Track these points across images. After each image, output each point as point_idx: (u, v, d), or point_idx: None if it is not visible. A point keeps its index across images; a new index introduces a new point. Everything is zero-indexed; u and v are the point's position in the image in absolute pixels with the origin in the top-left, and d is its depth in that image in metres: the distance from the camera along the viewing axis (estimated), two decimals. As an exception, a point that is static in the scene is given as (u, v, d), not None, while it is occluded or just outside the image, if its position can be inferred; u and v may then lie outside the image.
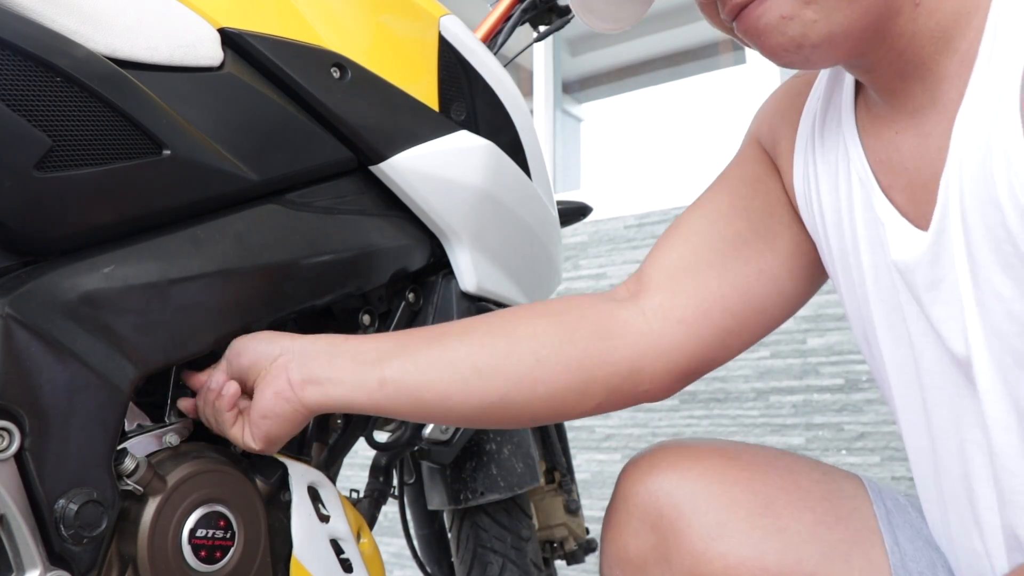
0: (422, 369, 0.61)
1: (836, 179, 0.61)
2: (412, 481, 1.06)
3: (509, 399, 0.62)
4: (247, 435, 0.61)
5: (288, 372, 0.60)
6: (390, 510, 2.38)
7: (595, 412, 0.65)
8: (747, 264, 0.65)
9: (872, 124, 0.59)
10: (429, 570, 1.10)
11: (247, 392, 0.63)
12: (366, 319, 0.76)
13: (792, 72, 0.66)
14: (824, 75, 0.66)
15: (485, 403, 0.61)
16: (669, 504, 0.62)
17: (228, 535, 0.61)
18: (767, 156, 0.70)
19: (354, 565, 0.67)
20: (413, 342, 0.63)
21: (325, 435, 0.79)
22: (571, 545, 1.12)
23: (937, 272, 0.52)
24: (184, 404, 0.64)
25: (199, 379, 0.64)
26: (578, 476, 1.34)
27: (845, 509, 0.63)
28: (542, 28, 1.12)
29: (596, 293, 0.73)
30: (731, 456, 0.65)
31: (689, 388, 2.10)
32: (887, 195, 0.57)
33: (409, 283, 0.81)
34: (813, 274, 0.68)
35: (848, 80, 0.62)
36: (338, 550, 0.67)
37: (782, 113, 0.69)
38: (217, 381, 0.62)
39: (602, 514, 0.87)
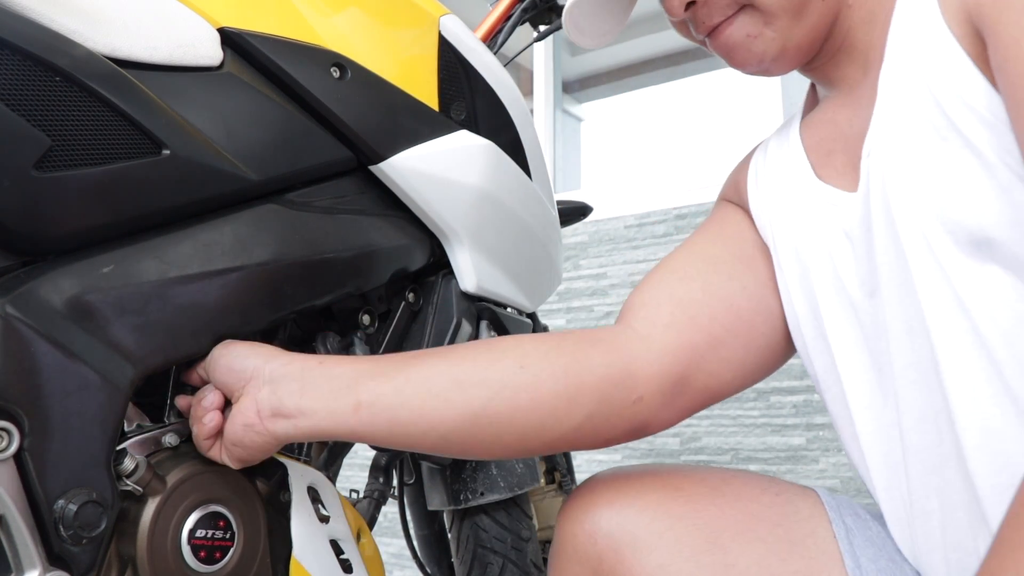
0: (398, 387, 0.58)
1: (781, 176, 0.68)
2: (412, 481, 1.06)
3: (491, 409, 0.57)
4: (223, 455, 0.60)
5: (258, 402, 0.58)
6: (390, 510, 2.38)
7: (584, 431, 0.60)
8: (730, 279, 0.67)
9: (814, 117, 0.67)
10: (429, 570, 1.10)
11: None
12: (366, 319, 0.76)
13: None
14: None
15: (465, 415, 0.57)
16: (608, 547, 0.59)
17: (228, 535, 0.60)
18: (733, 204, 0.75)
19: (354, 566, 0.67)
20: (391, 364, 0.61)
21: (325, 435, 0.79)
22: (571, 545, 1.12)
23: (867, 216, 0.58)
24: (182, 402, 0.64)
25: (194, 376, 0.63)
26: (578, 476, 1.34)
27: (800, 534, 0.60)
28: (542, 27, 1.12)
29: None
30: (675, 487, 0.62)
31: (689, 388, 2.10)
32: (820, 174, 0.64)
33: (409, 283, 0.80)
34: None
35: (802, 99, 0.71)
36: (338, 550, 0.67)
37: (741, 166, 0.76)
38: (210, 401, 0.60)
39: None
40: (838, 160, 0.62)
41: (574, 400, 0.59)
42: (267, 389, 0.58)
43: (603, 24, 0.71)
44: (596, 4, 0.70)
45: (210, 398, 0.60)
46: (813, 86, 0.71)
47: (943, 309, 0.53)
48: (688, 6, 0.61)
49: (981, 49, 0.51)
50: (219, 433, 0.60)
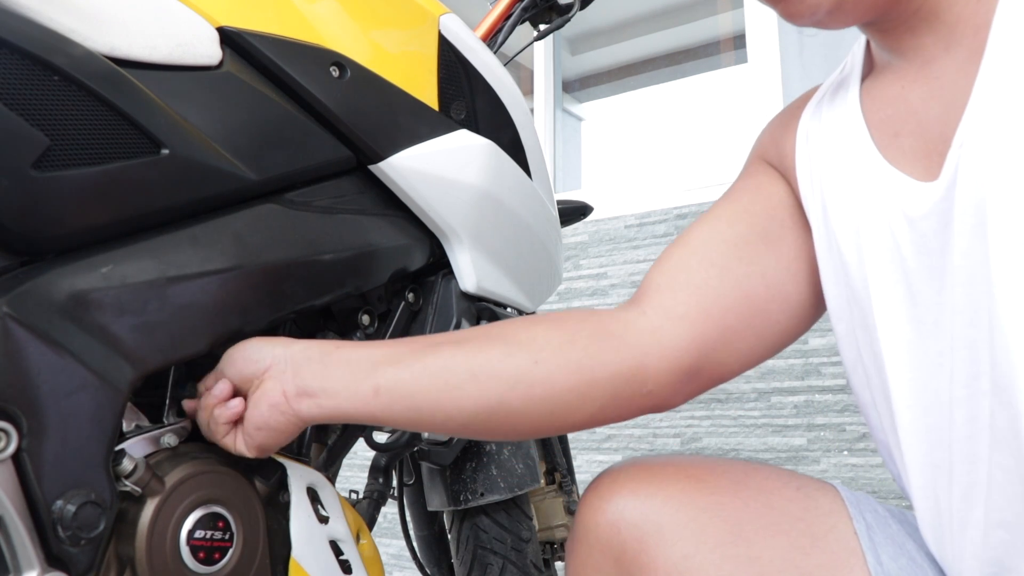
0: (416, 376, 0.60)
1: (839, 148, 0.63)
2: (412, 482, 1.06)
3: (506, 403, 0.59)
4: (239, 443, 0.61)
5: (283, 383, 0.60)
6: (390, 511, 2.38)
7: (596, 419, 0.62)
8: (749, 265, 0.65)
9: (878, 89, 0.61)
10: (429, 571, 1.10)
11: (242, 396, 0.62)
12: (365, 319, 0.76)
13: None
14: (834, 73, 0.68)
15: (480, 407, 0.59)
16: (632, 537, 0.59)
17: (227, 536, 0.60)
18: (770, 167, 0.71)
19: (353, 566, 0.67)
20: (407, 350, 0.62)
21: (324, 436, 0.79)
22: (571, 546, 1.12)
23: (948, 210, 0.52)
24: (188, 405, 0.63)
25: (210, 381, 0.63)
26: (578, 477, 1.34)
27: (822, 528, 0.60)
28: (542, 27, 1.12)
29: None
30: (698, 478, 0.62)
31: (690, 388, 2.10)
32: (887, 155, 0.58)
33: (409, 283, 0.80)
34: (818, 283, 0.66)
35: (858, 59, 0.65)
36: (337, 551, 0.67)
37: (784, 123, 0.71)
38: (221, 390, 0.61)
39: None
40: (907, 144, 0.57)
41: (586, 395, 0.60)
42: (290, 372, 0.60)
43: None
44: None
45: (220, 386, 0.61)
46: (868, 44, 0.65)
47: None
48: None
49: None
50: (237, 421, 0.61)
